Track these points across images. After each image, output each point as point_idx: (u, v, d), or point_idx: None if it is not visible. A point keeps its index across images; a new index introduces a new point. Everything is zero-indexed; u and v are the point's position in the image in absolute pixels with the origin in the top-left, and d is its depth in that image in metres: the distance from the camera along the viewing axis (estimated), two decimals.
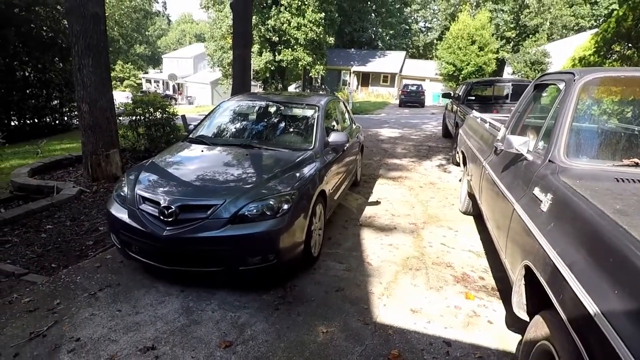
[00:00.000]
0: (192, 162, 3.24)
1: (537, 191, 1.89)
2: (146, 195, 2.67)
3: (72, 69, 5.20)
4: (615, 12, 8.15)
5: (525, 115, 2.81)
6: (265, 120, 4.16)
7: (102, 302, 2.55)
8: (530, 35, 34.87)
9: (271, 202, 2.62)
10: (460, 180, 5.23)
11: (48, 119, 10.83)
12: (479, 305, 2.68)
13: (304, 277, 2.94)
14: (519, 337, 2.33)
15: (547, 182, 1.85)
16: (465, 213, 4.45)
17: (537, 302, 1.75)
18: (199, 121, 4.17)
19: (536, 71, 25.06)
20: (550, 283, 1.46)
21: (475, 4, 36.97)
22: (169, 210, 2.50)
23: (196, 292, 2.67)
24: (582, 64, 7.98)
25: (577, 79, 2.09)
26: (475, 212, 4.24)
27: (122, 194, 2.86)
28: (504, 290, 2.84)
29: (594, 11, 34.10)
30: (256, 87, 28.42)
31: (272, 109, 4.26)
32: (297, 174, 3.00)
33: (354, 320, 2.45)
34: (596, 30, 10.05)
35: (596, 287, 1.20)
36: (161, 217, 2.52)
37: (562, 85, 2.23)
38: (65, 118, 11.27)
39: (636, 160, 1.81)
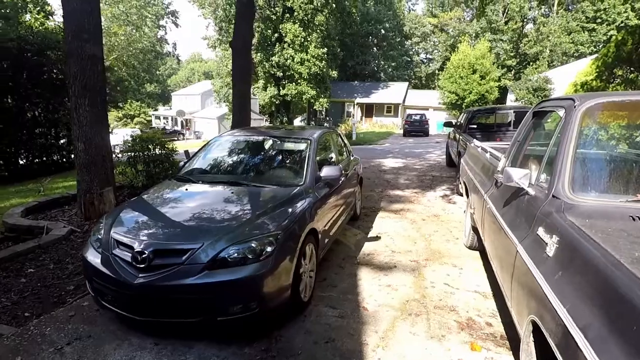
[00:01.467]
0: (175, 201, 3.08)
1: (541, 232, 1.66)
2: (120, 238, 2.50)
3: (70, 108, 5.23)
4: (614, 37, 8.13)
5: (525, 145, 2.63)
6: (256, 155, 4.04)
7: (67, 359, 2.32)
8: (531, 63, 35.30)
9: (253, 245, 2.42)
10: (464, 212, 4.98)
11: (56, 157, 11.00)
12: (486, 357, 2.38)
13: (292, 326, 2.67)
14: None
15: (551, 221, 1.63)
16: (470, 248, 4.17)
17: None
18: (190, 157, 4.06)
19: (539, 97, 25.10)
20: (562, 349, 1.21)
21: (474, 35, 37.86)
22: (142, 256, 2.31)
23: (172, 345, 2.42)
24: (585, 89, 7.87)
25: (577, 105, 1.91)
26: (481, 247, 3.96)
27: (99, 237, 2.69)
28: (515, 339, 2.52)
29: (592, 38, 34.59)
30: (262, 121, 28.89)
31: (264, 144, 4.15)
32: (284, 213, 2.81)
33: None
34: (596, 55, 10.02)
35: None
36: (134, 263, 2.33)
37: (562, 112, 2.05)
38: (72, 155, 11.43)
39: None
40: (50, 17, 12.82)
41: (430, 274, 3.58)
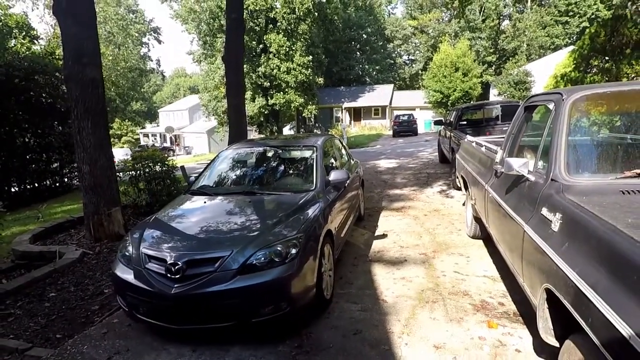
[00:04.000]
0: (196, 214, 3.23)
1: (545, 211, 1.87)
2: (151, 253, 2.64)
3: (72, 132, 5.33)
4: (587, 30, 8.54)
5: (519, 137, 2.86)
6: (265, 165, 4.21)
7: None
8: (510, 58, 36.33)
9: (279, 248, 2.58)
10: (464, 205, 5.21)
11: (48, 182, 10.91)
12: (504, 333, 2.58)
13: (319, 323, 2.84)
14: None
15: (553, 201, 1.84)
16: (473, 237, 4.39)
17: (565, 325, 1.68)
18: (199, 172, 4.21)
19: (520, 90, 25.79)
20: (576, 306, 1.41)
21: (453, 34, 38.75)
22: (176, 267, 2.46)
23: (209, 350, 2.57)
24: (565, 80, 8.24)
25: (565, 98, 2.14)
26: (484, 236, 4.19)
27: (127, 254, 2.83)
28: (527, 314, 2.74)
29: (566, 30, 35.84)
30: (252, 132, 29.07)
31: (271, 154, 4.32)
32: (302, 217, 2.99)
33: None
34: (572, 47, 10.47)
35: (625, 307, 1.15)
36: (168, 275, 2.47)
37: (551, 105, 2.28)
38: (66, 179, 11.39)
39: (638, 171, 1.82)
40: (35, 41, 12.84)
41: (440, 264, 3.78)
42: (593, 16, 32.89)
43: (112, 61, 23.52)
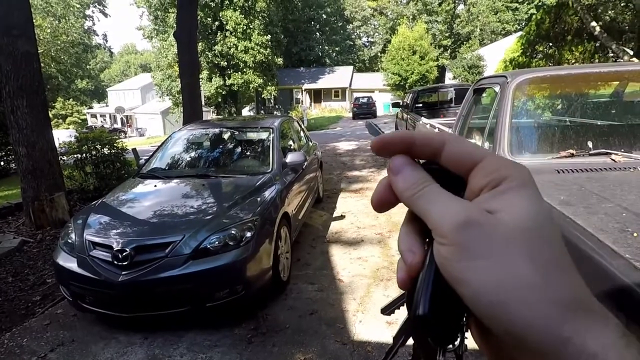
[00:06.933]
0: (145, 198, 3.07)
1: None
2: (96, 239, 2.49)
3: (5, 111, 4.86)
4: (534, 16, 8.97)
5: (469, 118, 2.96)
6: (220, 147, 4.07)
7: None
8: (465, 42, 37.54)
9: (233, 232, 2.53)
10: None
11: None
12: None
13: (275, 304, 2.85)
14: None
15: None
16: None
17: None
18: (150, 155, 4.00)
19: (474, 74, 26.81)
20: None
21: (411, 17, 39.21)
22: (123, 254, 2.34)
23: (162, 337, 2.50)
24: (513, 65, 8.67)
25: (509, 81, 2.24)
26: None
27: (70, 241, 2.65)
28: None
29: (515, 16, 37.54)
30: (209, 114, 27.99)
31: (226, 135, 4.18)
32: (258, 199, 2.94)
33: (331, 342, 2.40)
34: (521, 33, 10.99)
35: None
36: (115, 262, 2.35)
37: (497, 88, 2.38)
38: (2, 163, 10.40)
39: (571, 151, 1.95)
40: None
41: (395, 243, 3.90)
42: (540, 3, 34.59)
43: (51, 34, 21.26)
